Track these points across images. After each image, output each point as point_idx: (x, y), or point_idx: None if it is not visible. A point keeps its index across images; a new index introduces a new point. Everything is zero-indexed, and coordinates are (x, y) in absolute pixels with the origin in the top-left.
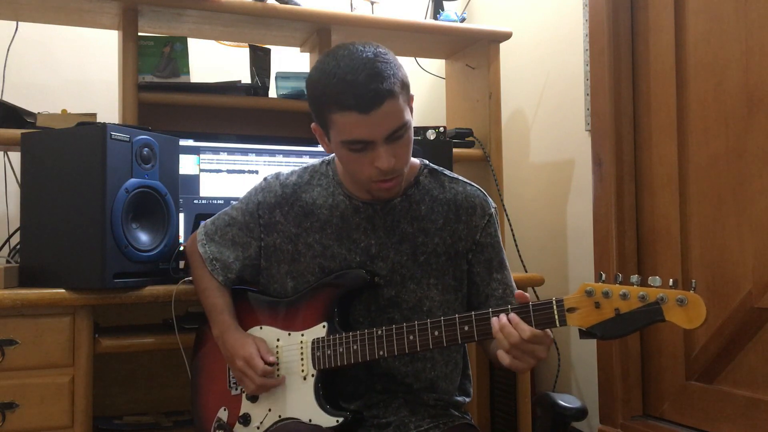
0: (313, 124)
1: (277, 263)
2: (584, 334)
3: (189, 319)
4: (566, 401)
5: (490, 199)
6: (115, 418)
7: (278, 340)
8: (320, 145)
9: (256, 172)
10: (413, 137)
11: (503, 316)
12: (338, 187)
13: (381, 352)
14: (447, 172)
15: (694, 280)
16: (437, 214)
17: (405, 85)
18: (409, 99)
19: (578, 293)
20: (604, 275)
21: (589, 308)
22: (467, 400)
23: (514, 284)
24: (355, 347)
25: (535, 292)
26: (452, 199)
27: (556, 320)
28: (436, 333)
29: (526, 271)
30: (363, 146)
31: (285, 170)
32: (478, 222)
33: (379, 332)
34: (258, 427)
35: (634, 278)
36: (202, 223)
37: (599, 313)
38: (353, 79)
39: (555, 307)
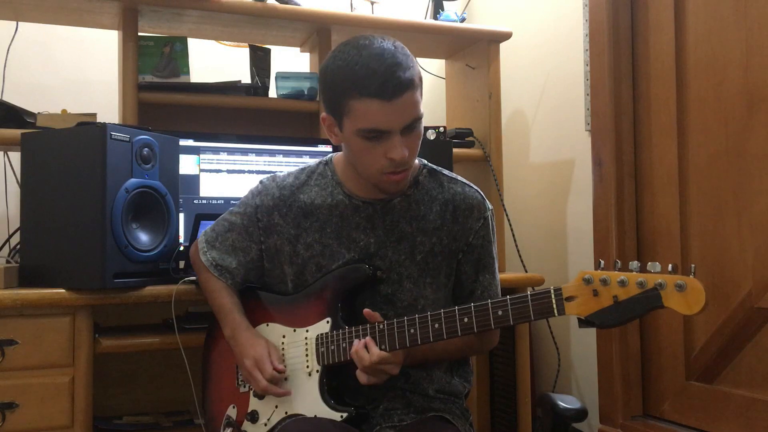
0: (323, 114)
1: (280, 265)
2: (583, 323)
3: (189, 319)
4: (566, 402)
5: (488, 201)
6: (115, 418)
7: (284, 336)
8: (320, 146)
9: (257, 172)
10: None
11: (362, 341)
12: (338, 186)
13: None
14: (446, 171)
15: (693, 265)
16: (435, 214)
17: (421, 80)
18: (422, 94)
19: (576, 281)
20: (603, 262)
21: (587, 296)
22: (468, 386)
23: (496, 286)
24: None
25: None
26: (450, 199)
27: (555, 309)
28: (437, 325)
29: (526, 271)
30: (378, 135)
31: (281, 172)
32: (473, 224)
33: (381, 326)
34: (265, 424)
35: (633, 264)
36: (202, 231)
37: (597, 301)
38: (377, 67)
39: (553, 296)
